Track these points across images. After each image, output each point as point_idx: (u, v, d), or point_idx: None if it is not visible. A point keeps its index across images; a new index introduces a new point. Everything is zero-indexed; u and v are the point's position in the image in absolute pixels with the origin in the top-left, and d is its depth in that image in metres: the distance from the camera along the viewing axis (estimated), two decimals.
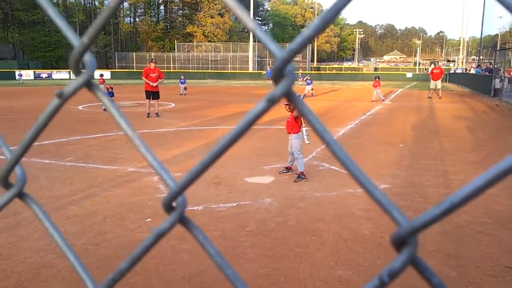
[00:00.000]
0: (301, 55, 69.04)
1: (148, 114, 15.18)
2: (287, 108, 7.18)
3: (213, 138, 10.79)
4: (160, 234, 0.50)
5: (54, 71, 54.43)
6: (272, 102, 0.41)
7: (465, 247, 4.50)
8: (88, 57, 0.51)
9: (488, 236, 4.79)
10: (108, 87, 17.24)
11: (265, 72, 48.21)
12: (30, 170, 7.45)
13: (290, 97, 0.42)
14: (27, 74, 48.83)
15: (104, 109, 16.74)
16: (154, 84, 14.72)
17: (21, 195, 0.62)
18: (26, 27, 66.11)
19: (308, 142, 7.11)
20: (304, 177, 6.92)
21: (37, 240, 4.61)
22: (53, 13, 0.53)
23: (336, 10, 0.37)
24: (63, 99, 0.53)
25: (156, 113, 15.26)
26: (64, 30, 0.53)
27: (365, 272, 3.95)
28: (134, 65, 61.87)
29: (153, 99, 15.06)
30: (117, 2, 0.47)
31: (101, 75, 22.18)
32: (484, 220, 5.23)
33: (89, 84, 0.52)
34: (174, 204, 0.50)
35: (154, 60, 15.61)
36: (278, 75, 0.41)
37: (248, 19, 0.41)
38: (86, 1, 73.82)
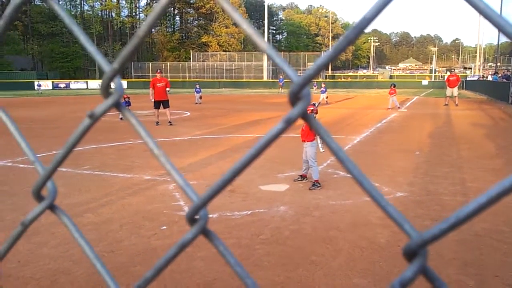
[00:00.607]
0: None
1: (157, 122, 15.40)
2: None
3: (228, 146, 10.83)
4: (183, 245, 0.53)
5: (72, 81, 55.31)
6: (289, 123, 0.44)
7: (483, 256, 4.43)
8: (117, 81, 0.54)
9: (506, 244, 4.71)
10: (125, 96, 17.46)
11: (278, 79, 48.10)
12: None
13: (306, 118, 0.45)
14: (46, 84, 49.67)
15: (121, 118, 17.01)
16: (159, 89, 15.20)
17: (52, 207, 0.66)
18: (45, 39, 67.44)
19: (323, 150, 7.10)
20: (319, 185, 6.90)
21: (55, 247, 4.67)
22: (84, 39, 0.56)
23: (347, 41, 0.39)
24: (94, 119, 0.56)
25: (169, 122, 15.46)
26: (94, 55, 0.57)
27: (381, 281, 3.91)
28: (150, 75, 62.49)
29: (163, 108, 15.32)
30: (145, 32, 0.49)
31: None
32: (503, 229, 5.14)
33: (117, 105, 0.55)
34: (197, 216, 0.53)
35: (159, 71, 15.97)
36: (294, 98, 0.43)
37: (263, 43, 0.43)
38: (103, 13, 75.03)
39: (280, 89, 43.51)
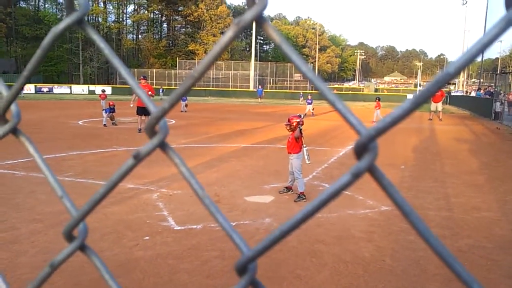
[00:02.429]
0: (302, 74, 69.51)
1: (139, 129, 15.22)
2: (288, 128, 7.18)
3: (214, 155, 10.77)
4: None
5: (56, 85, 54.69)
6: (357, 176, 0.41)
7: None
8: (163, 123, 0.51)
9: (489, 261, 4.73)
10: (111, 103, 17.29)
11: (256, 90, 49.15)
12: (28, 185, 7.41)
13: (374, 172, 0.42)
14: (28, 88, 49.01)
15: (105, 125, 16.83)
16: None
17: (82, 247, 0.63)
18: (29, 42, 66.65)
19: (309, 162, 7.09)
20: (304, 197, 6.88)
21: (34, 256, 4.55)
22: (125, 72, 0.53)
23: (428, 94, 0.38)
24: (139, 159, 0.53)
25: (139, 129, 15.35)
26: (140, 94, 0.54)
27: None
28: (140, 81, 62.23)
29: (145, 115, 15.13)
30: (201, 73, 0.46)
31: (103, 91, 22.28)
32: (485, 245, 5.18)
33: (163, 145, 0.52)
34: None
35: (143, 77, 15.85)
36: (361, 150, 0.41)
37: (328, 92, 0.40)
38: (89, 18, 74.60)
39: (259, 99, 44.55)
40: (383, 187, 0.41)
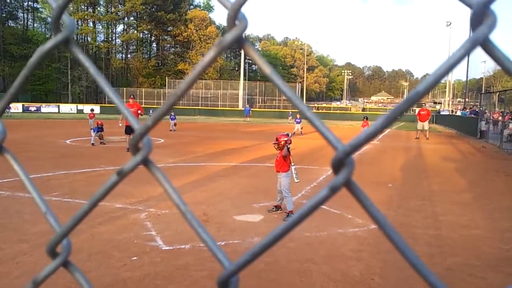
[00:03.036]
0: None
1: (128, 149, 15.20)
2: (276, 146, 7.21)
3: (202, 175, 10.73)
4: None
5: (43, 104, 54.40)
6: (334, 190, 0.42)
7: None
8: (146, 139, 0.53)
9: (477, 279, 4.74)
10: (99, 122, 17.23)
11: (243, 109, 50.01)
12: (14, 205, 7.30)
13: (350, 187, 0.43)
14: (16, 107, 48.65)
15: (93, 144, 16.73)
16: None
17: (66, 263, 0.63)
18: (17, 61, 66.33)
19: (297, 180, 7.10)
20: (293, 215, 6.86)
21: (18, 278, 4.46)
22: (110, 91, 0.54)
23: (399, 112, 0.39)
24: (122, 176, 0.54)
25: (127, 148, 15.37)
26: (123, 110, 0.56)
27: None
28: (124, 100, 61.47)
29: (132, 134, 15.19)
30: (183, 91, 0.48)
31: (92, 110, 22.24)
32: (474, 263, 5.19)
33: (146, 162, 0.53)
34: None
35: (132, 96, 15.92)
36: (338, 165, 0.43)
37: (306, 109, 0.42)
38: (79, 37, 74.68)
39: (246, 118, 46.19)
40: (359, 201, 0.42)
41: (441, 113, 49.03)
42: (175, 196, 0.51)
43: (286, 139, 7.14)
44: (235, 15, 0.40)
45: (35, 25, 76.33)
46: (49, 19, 73.78)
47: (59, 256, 0.62)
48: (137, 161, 0.51)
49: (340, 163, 0.41)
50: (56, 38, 0.52)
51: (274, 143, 7.22)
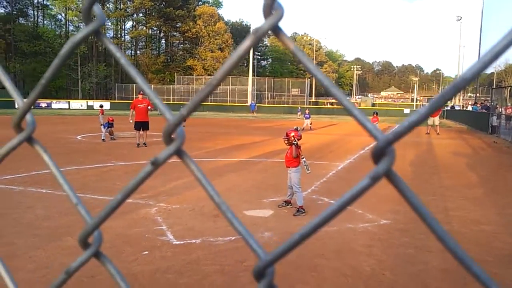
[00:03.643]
0: (299, 89, 69.83)
1: (138, 144, 15.34)
2: (286, 142, 7.21)
3: (212, 170, 10.76)
4: None
5: (54, 100, 54.75)
6: (375, 179, 0.42)
7: (467, 286, 4.42)
8: (180, 130, 0.52)
9: (490, 274, 4.69)
10: (110, 119, 17.31)
11: (249, 104, 50.17)
12: (27, 200, 7.38)
13: (390, 177, 0.43)
14: None
15: (103, 139, 16.84)
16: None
17: (97, 254, 0.63)
18: (28, 57, 66.85)
19: (309, 171, 7.14)
20: (303, 211, 6.87)
21: (32, 272, 4.51)
22: (141, 81, 0.54)
23: (444, 99, 0.38)
24: (157, 165, 0.54)
25: (144, 143, 15.55)
26: (154, 99, 0.55)
27: None
28: (134, 96, 62.32)
29: (143, 130, 15.35)
30: (219, 80, 0.48)
31: (101, 106, 22.32)
32: (486, 258, 5.16)
33: (179, 152, 0.53)
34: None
35: (142, 92, 15.97)
36: (379, 154, 0.42)
37: (343, 97, 0.42)
38: None
39: (253, 113, 46.66)
40: (400, 191, 0.42)
41: (456, 108, 48.67)
42: (210, 188, 0.52)
43: (294, 134, 7.14)
44: (271, 3, 0.41)
45: (45, 22, 76.74)
46: (59, 16, 74.34)
47: (90, 247, 0.63)
48: (171, 151, 0.52)
49: (381, 152, 0.41)
50: (88, 28, 0.52)
51: (284, 138, 7.23)
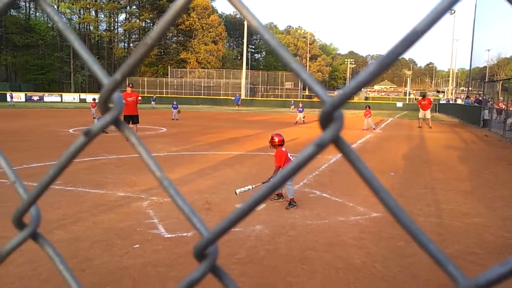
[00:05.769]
0: (293, 82, 69.80)
1: (127, 138, 15.23)
2: (270, 145, 7.37)
3: (205, 163, 10.74)
4: (191, 284, 0.48)
5: (46, 94, 54.40)
6: (321, 147, 0.38)
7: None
8: (117, 95, 0.49)
9: (479, 266, 4.75)
10: None
11: (234, 98, 50.36)
12: (16, 194, 7.32)
13: (338, 142, 0.40)
14: (18, 96, 48.69)
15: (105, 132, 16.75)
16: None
17: (34, 235, 0.59)
18: (19, 50, 66.26)
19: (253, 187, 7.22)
20: (295, 204, 6.88)
21: (22, 265, 4.49)
22: (79, 46, 0.51)
23: (395, 55, 0.35)
24: (90, 136, 0.50)
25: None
26: (91, 64, 0.51)
27: None
28: (127, 89, 62.04)
29: (132, 123, 15.03)
30: (155, 40, 0.45)
31: (94, 99, 22.20)
32: (475, 250, 5.20)
33: (116, 122, 0.50)
34: (205, 252, 0.48)
35: (131, 85, 15.79)
36: (327, 120, 0.39)
37: (291, 60, 0.39)
38: (81, 26, 74.37)
39: (237, 106, 46.60)
40: (348, 158, 0.40)
41: (444, 101, 48.83)
42: (151, 162, 0.49)
43: (277, 139, 7.22)
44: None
45: (37, 14, 75.98)
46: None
47: (27, 227, 0.59)
48: (106, 121, 0.49)
49: (328, 118, 0.38)
50: None
51: (269, 142, 7.39)
